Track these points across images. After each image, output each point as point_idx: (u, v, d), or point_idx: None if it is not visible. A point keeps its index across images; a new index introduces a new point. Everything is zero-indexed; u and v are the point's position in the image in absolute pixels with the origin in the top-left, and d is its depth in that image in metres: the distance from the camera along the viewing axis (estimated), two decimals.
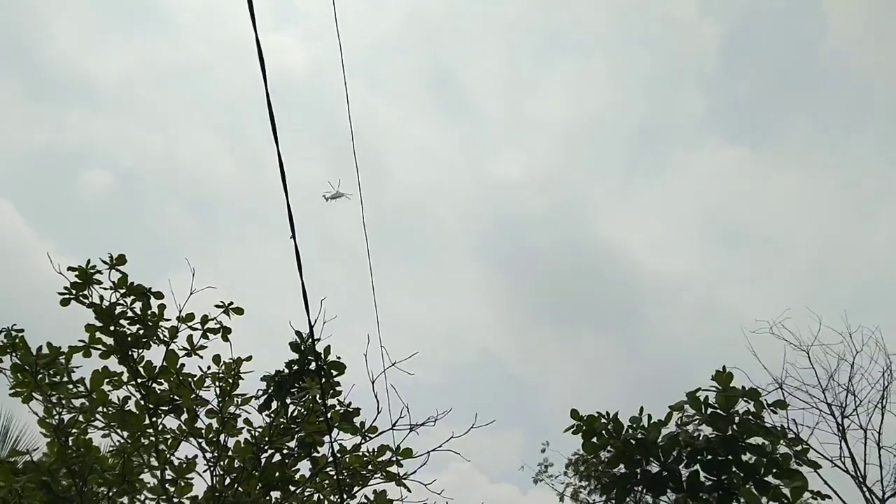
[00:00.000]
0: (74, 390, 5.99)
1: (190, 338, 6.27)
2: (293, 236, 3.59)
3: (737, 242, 40.95)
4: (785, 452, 5.44)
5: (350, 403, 6.53)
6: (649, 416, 5.88)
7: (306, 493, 6.58)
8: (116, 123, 42.72)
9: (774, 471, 5.35)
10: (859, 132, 40.13)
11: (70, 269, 5.90)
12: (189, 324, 6.24)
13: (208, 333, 6.33)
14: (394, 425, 6.10)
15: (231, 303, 6.35)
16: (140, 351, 6.10)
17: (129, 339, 6.03)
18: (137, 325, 6.06)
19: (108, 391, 6.10)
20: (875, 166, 38.23)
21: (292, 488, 6.47)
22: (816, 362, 10.75)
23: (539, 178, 46.11)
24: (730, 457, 5.46)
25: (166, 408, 6.22)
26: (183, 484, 6.25)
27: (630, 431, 5.83)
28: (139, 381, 6.07)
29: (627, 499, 5.71)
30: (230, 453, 6.38)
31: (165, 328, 6.16)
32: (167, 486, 6.15)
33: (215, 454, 6.33)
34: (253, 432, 6.42)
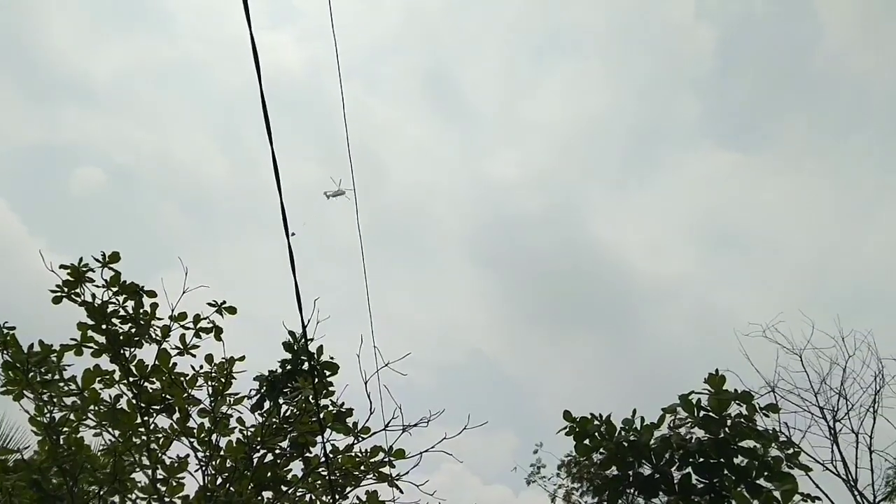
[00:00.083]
0: (66, 388, 5.98)
1: (182, 337, 6.26)
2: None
3: (731, 245, 41.09)
4: (776, 455, 5.46)
5: (343, 404, 6.52)
6: (642, 419, 5.89)
7: (298, 494, 6.57)
8: (112, 121, 42.62)
9: (766, 474, 5.37)
10: (854, 136, 40.32)
11: (62, 266, 5.88)
12: (181, 323, 6.23)
13: (201, 333, 6.32)
14: (386, 426, 6.08)
15: (224, 302, 6.34)
16: (132, 350, 6.09)
17: (122, 337, 6.02)
18: (130, 324, 6.05)
19: (100, 390, 6.09)
20: (869, 170, 38.45)
21: (284, 488, 6.45)
22: (809, 366, 10.81)
23: (535, 179, 46.21)
24: (722, 459, 5.47)
25: (158, 407, 6.21)
26: (174, 483, 6.23)
27: (622, 433, 5.84)
28: (131, 379, 6.05)
29: (619, 501, 5.71)
30: (222, 453, 6.36)
31: (158, 327, 6.15)
32: (158, 485, 6.13)
33: (207, 454, 6.31)
34: (245, 432, 6.40)
